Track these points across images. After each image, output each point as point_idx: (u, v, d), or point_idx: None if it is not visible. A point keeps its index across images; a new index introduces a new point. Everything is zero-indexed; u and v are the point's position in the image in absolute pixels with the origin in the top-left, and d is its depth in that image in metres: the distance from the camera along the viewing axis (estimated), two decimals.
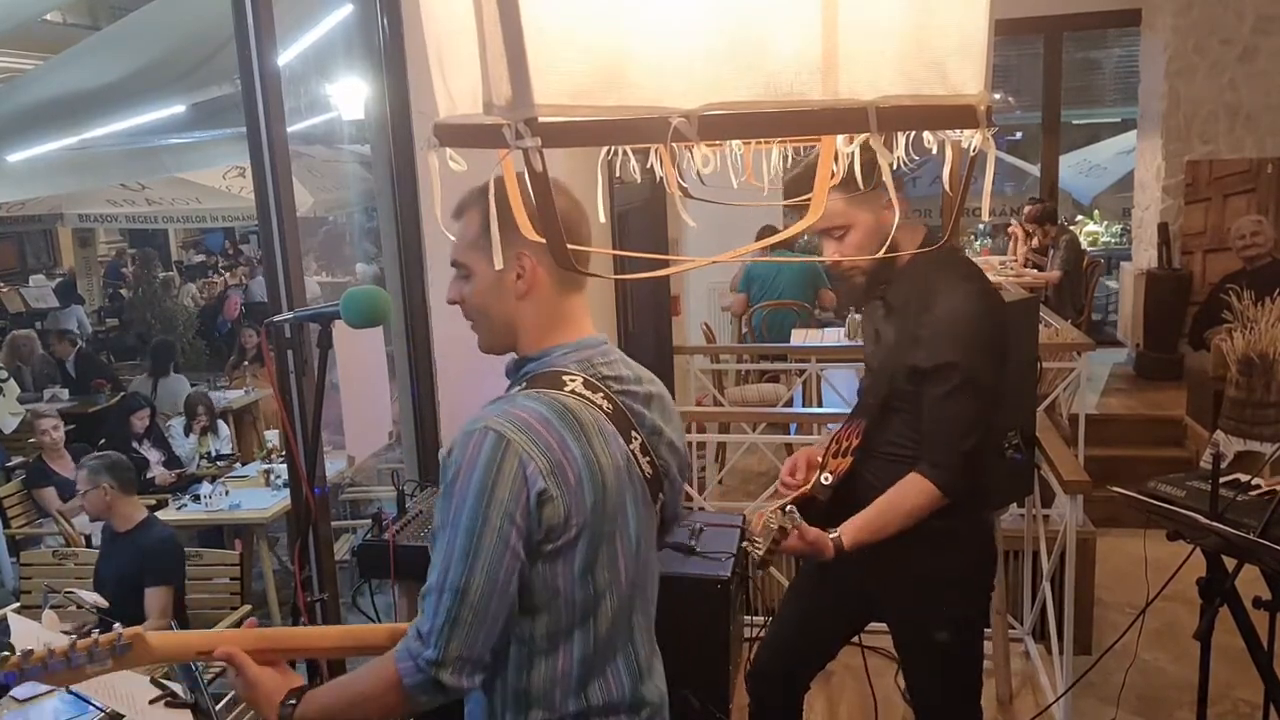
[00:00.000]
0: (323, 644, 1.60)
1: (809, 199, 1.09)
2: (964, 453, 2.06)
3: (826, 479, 2.18)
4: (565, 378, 1.40)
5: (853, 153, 1.09)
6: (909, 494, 2.07)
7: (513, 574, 1.31)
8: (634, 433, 1.44)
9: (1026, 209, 8.05)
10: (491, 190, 0.91)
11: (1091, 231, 11.78)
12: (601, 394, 1.41)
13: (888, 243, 2.09)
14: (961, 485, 2.07)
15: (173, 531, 4.42)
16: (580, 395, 1.39)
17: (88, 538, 5.09)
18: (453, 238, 1.43)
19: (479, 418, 1.35)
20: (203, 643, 1.45)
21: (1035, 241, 7.78)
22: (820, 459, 2.29)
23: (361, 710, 1.37)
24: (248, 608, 4.17)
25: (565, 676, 1.40)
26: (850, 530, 2.06)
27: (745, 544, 2.04)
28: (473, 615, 1.29)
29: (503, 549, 1.29)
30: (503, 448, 1.30)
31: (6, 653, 1.33)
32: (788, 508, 2.00)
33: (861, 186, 1.46)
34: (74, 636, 1.37)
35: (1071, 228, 9.10)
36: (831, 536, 2.04)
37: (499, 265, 0.97)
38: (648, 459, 1.46)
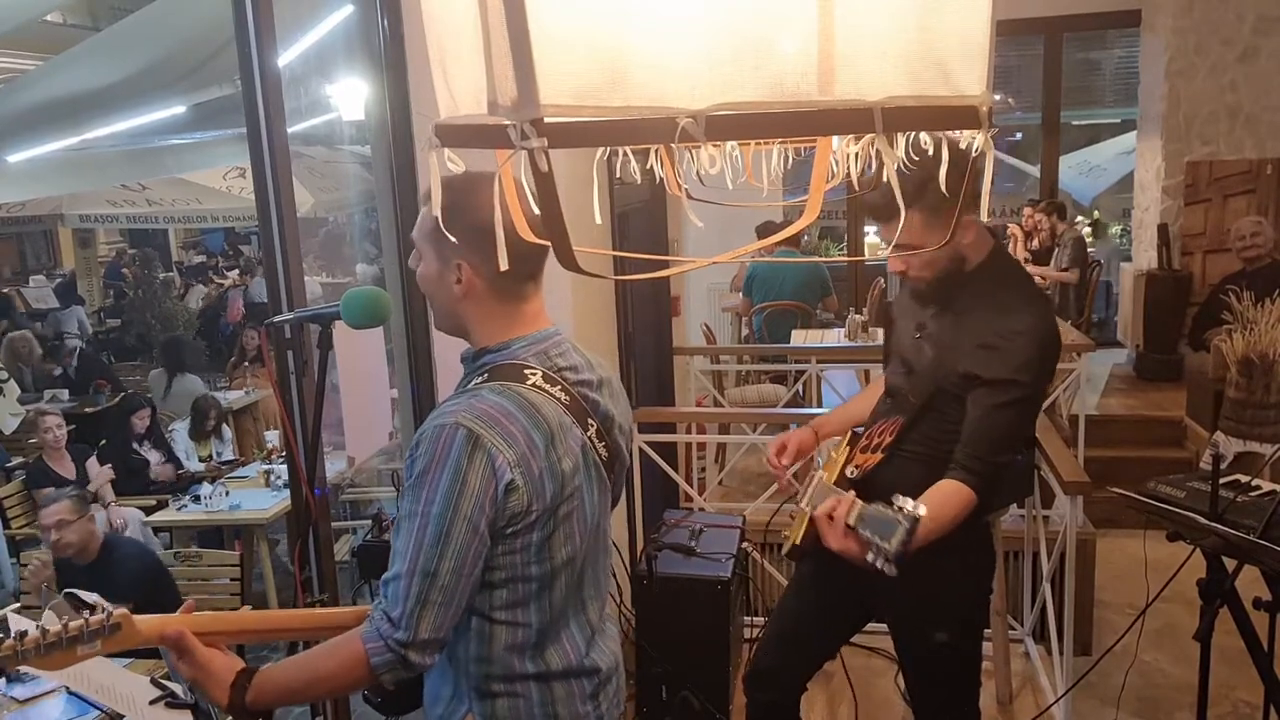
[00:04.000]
0: (271, 627, 1.67)
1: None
2: (1001, 463, 2.07)
3: (852, 473, 2.17)
4: (526, 371, 1.47)
5: (855, 154, 1.09)
6: (951, 501, 2.03)
7: (479, 558, 1.39)
8: (590, 420, 1.52)
9: (1026, 209, 8.05)
10: (498, 189, 0.90)
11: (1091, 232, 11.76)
12: (560, 386, 1.48)
13: (968, 256, 2.14)
14: (989, 489, 2.07)
15: (140, 543, 4.37)
16: (540, 389, 1.46)
17: None
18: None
19: (446, 412, 1.41)
20: (190, 625, 1.48)
21: (1035, 243, 7.78)
22: (844, 450, 2.28)
23: (323, 687, 1.45)
24: (248, 608, 4.16)
25: (524, 644, 1.48)
26: None
27: (871, 552, 1.81)
28: (442, 597, 1.36)
29: (471, 536, 1.36)
30: (472, 442, 1.36)
31: (1, 636, 1.35)
32: (899, 503, 1.81)
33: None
34: (65, 619, 1.39)
35: (1075, 226, 9.09)
36: None
37: (504, 265, 0.97)
38: (603, 443, 1.54)
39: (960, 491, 2.04)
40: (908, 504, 1.80)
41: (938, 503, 2.03)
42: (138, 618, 1.42)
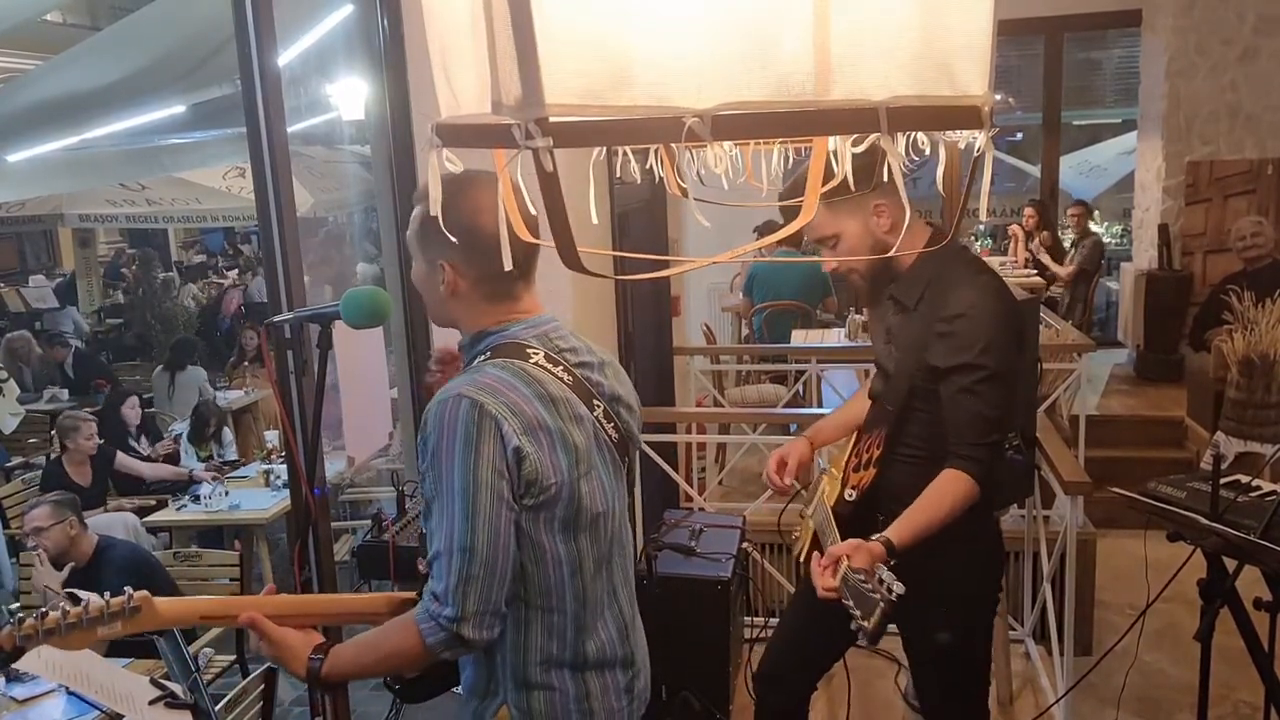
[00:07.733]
0: (335, 610, 1.69)
1: (801, 202, 1.10)
2: (991, 444, 2.05)
3: (850, 495, 2.16)
4: (529, 350, 1.48)
5: (849, 153, 1.09)
6: (949, 490, 2.03)
7: (510, 524, 1.40)
8: (595, 401, 1.52)
9: (1027, 209, 8.06)
10: (501, 189, 0.88)
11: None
12: (561, 367, 1.50)
13: (892, 245, 2.10)
14: (990, 477, 2.05)
15: (133, 543, 4.36)
16: (543, 367, 1.47)
17: None
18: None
19: (448, 389, 1.42)
20: (208, 608, 1.53)
21: (1036, 243, 7.78)
22: (833, 469, 2.28)
23: (389, 665, 1.48)
24: None
25: (560, 632, 1.49)
26: (897, 533, 1.97)
27: (852, 619, 1.80)
28: (483, 570, 1.37)
29: (498, 503, 1.37)
30: (477, 410, 1.37)
31: (22, 616, 1.36)
32: (880, 575, 1.77)
33: (852, 189, 1.46)
34: (86, 599, 1.41)
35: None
36: (877, 538, 1.95)
37: (508, 265, 0.95)
38: (611, 424, 1.54)
39: (958, 479, 2.03)
40: (886, 577, 1.75)
41: (936, 493, 2.03)
42: (158, 600, 1.45)
